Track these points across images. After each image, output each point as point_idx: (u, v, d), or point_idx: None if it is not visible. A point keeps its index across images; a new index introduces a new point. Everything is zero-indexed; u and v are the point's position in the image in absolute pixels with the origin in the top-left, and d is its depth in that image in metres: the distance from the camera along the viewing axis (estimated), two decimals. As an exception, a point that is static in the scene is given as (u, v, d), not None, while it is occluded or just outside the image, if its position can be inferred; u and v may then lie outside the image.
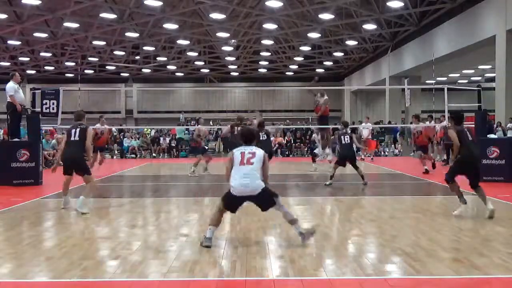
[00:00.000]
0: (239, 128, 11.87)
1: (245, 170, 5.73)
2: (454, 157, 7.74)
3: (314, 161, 16.04)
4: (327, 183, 11.66)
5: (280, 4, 24.50)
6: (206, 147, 19.00)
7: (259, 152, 5.90)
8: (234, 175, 5.76)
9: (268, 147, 11.41)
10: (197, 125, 16.92)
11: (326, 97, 14.85)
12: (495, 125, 19.69)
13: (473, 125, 13.54)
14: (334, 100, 47.77)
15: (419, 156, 15.70)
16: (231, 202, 5.87)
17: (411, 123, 26.34)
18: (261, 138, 11.55)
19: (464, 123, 8.09)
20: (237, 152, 5.88)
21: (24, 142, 12.68)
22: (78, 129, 8.39)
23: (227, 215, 7.88)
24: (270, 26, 29.24)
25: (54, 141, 18.99)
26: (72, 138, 8.38)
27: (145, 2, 24.87)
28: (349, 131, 12.42)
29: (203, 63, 42.36)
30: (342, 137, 11.99)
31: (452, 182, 7.76)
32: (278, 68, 44.27)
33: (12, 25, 28.64)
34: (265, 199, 5.78)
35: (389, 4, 24.32)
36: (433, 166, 15.05)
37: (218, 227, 5.88)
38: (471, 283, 4.43)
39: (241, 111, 40.97)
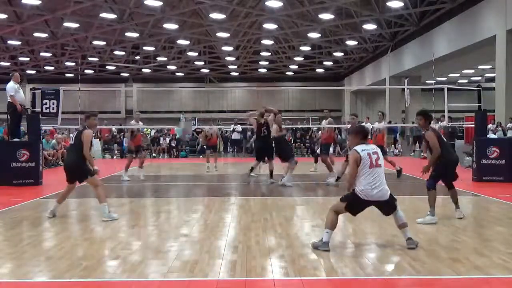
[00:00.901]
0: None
1: (377, 174, 5.47)
2: (435, 160, 7.28)
3: (316, 161, 16.00)
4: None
5: (280, 4, 24.48)
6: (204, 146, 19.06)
7: (379, 151, 5.66)
8: (364, 179, 5.43)
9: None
10: (212, 126, 17.66)
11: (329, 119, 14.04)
12: (495, 125, 19.69)
13: (473, 125, 13.58)
14: (334, 100, 47.99)
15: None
16: (358, 206, 5.61)
17: (412, 122, 26.40)
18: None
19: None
20: (363, 153, 5.50)
21: (24, 142, 12.69)
22: (76, 132, 7.82)
23: (227, 215, 7.89)
24: (270, 26, 29.23)
25: (54, 141, 18.98)
26: (71, 142, 7.89)
27: (145, 2, 24.86)
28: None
29: (203, 63, 42.35)
30: None
31: (434, 189, 7.48)
32: (278, 68, 44.26)
33: (12, 25, 28.63)
34: (391, 204, 5.64)
35: (389, 4, 24.31)
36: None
37: (334, 230, 5.57)
38: (471, 283, 4.43)
39: (241, 111, 41.03)
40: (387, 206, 5.64)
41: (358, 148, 5.58)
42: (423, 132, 7.66)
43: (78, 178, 7.74)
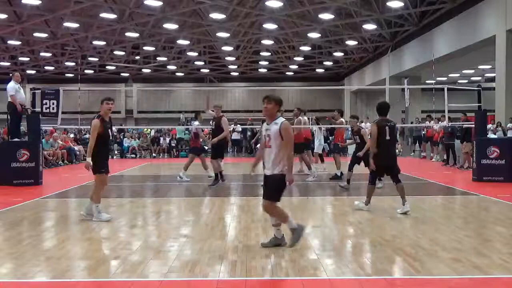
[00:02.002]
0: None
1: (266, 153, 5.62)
2: (366, 149, 8.29)
3: (322, 161, 15.78)
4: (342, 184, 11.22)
5: (280, 4, 24.48)
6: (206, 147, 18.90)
7: (272, 131, 5.60)
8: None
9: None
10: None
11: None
12: (495, 125, 19.69)
13: (473, 125, 13.56)
14: (334, 100, 47.99)
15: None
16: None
17: (411, 123, 26.41)
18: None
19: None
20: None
21: (24, 142, 12.68)
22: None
23: (227, 215, 7.89)
24: (270, 26, 29.23)
25: (51, 139, 18.99)
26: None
27: (145, 2, 24.87)
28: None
29: (203, 63, 42.36)
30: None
31: (374, 184, 8.12)
32: (278, 68, 44.27)
33: (12, 25, 28.64)
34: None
35: (389, 4, 24.30)
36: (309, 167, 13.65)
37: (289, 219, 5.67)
38: (471, 283, 4.44)
39: (241, 111, 41.06)
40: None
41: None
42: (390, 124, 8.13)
43: (99, 170, 7.40)
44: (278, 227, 5.66)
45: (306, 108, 17.49)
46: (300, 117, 13.81)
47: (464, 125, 15.65)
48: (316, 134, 16.22)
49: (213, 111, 12.03)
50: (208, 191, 11.00)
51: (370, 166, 7.94)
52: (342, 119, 13.89)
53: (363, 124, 22.72)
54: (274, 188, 5.53)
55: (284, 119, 5.55)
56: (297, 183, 12.87)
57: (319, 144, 15.58)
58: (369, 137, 9.46)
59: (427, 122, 21.32)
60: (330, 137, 26.43)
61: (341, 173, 12.79)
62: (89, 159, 7.26)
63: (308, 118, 16.92)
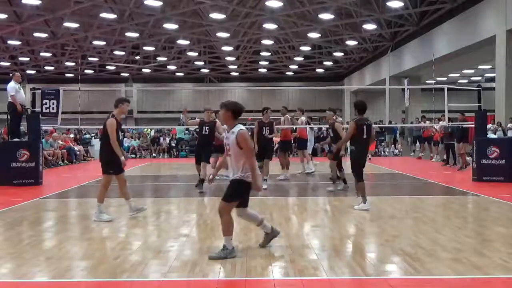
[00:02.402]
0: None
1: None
2: (339, 146, 8.54)
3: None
4: (340, 187, 10.74)
5: (280, 4, 24.48)
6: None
7: (231, 139, 5.38)
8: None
9: None
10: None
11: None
12: (495, 125, 19.70)
13: (473, 125, 13.55)
14: (334, 100, 47.96)
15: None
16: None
17: (411, 123, 26.41)
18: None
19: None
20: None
21: (24, 142, 12.68)
22: (104, 122, 7.40)
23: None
24: (270, 26, 29.23)
25: (51, 139, 18.99)
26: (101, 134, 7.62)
27: (145, 2, 24.86)
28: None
29: (203, 63, 42.36)
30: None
31: (362, 181, 8.24)
32: (278, 68, 44.26)
33: (12, 25, 28.64)
34: None
35: (389, 4, 24.30)
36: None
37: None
38: (471, 283, 4.43)
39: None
40: None
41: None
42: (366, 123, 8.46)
43: (104, 170, 7.43)
44: (261, 224, 5.62)
45: (305, 108, 17.37)
46: (302, 117, 13.85)
47: (462, 125, 15.66)
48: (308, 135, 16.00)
49: (193, 118, 11.93)
50: (207, 191, 10.97)
51: (328, 156, 8.58)
52: (340, 118, 13.89)
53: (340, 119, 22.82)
54: (230, 190, 5.38)
55: (242, 128, 5.28)
56: (299, 182, 12.88)
57: (309, 144, 15.43)
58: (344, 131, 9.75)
59: (422, 122, 21.36)
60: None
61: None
62: (122, 158, 7.36)
63: (310, 118, 16.89)
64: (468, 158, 16.63)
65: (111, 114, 7.46)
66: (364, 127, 8.14)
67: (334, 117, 11.25)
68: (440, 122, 18.23)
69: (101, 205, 7.42)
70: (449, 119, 14.91)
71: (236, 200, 5.42)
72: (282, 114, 13.80)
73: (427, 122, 21.09)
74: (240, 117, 5.44)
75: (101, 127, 7.66)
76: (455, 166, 16.64)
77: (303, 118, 14.49)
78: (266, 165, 11.45)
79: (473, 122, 13.87)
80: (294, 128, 14.53)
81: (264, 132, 11.37)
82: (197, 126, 10.98)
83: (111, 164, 7.32)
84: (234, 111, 5.32)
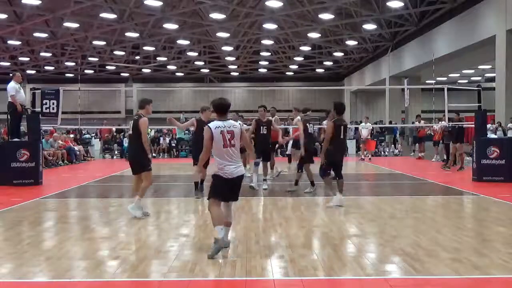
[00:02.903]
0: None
1: (231, 152, 5.66)
2: (325, 149, 8.49)
3: (290, 161, 15.08)
4: (308, 190, 10.44)
5: (280, 4, 24.48)
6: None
7: (235, 131, 5.61)
8: (220, 158, 5.56)
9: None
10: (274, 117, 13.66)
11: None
12: (495, 125, 19.70)
13: (473, 125, 13.55)
14: (334, 100, 47.96)
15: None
16: (222, 188, 5.72)
17: (412, 123, 26.40)
18: None
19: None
20: (216, 130, 5.49)
21: (24, 142, 12.68)
22: (132, 121, 7.60)
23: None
24: (270, 26, 29.23)
25: (51, 139, 18.98)
26: (128, 132, 7.78)
27: (145, 2, 24.86)
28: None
29: (203, 63, 42.37)
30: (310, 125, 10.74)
31: (326, 177, 8.61)
32: (278, 68, 44.27)
33: (12, 25, 28.64)
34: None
35: (389, 4, 24.31)
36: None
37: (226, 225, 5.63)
38: (471, 283, 4.44)
39: (241, 111, 40.95)
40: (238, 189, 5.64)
41: (212, 124, 5.54)
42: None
43: (138, 169, 7.63)
44: (218, 227, 5.38)
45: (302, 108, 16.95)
46: (298, 117, 13.27)
47: (457, 125, 15.68)
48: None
49: (184, 120, 11.50)
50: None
51: (321, 160, 8.56)
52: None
53: (362, 124, 22.82)
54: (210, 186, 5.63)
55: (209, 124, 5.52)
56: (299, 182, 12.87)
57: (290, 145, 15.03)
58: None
59: (417, 122, 21.34)
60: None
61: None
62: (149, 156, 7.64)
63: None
64: (468, 158, 16.64)
65: (139, 114, 7.60)
66: (342, 127, 8.48)
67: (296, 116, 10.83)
68: (441, 122, 18.23)
69: (141, 199, 7.59)
70: (449, 119, 14.92)
71: (212, 195, 5.54)
72: (272, 115, 13.28)
73: (422, 122, 21.07)
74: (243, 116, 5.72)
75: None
76: (455, 166, 16.65)
77: (298, 118, 13.89)
78: (264, 166, 11.12)
79: (471, 122, 13.89)
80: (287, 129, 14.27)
81: (261, 131, 10.84)
82: (193, 127, 10.06)
83: (147, 160, 7.53)
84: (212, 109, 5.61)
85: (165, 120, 11.02)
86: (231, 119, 5.70)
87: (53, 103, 13.45)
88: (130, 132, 7.62)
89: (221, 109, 5.62)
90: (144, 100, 7.77)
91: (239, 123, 5.82)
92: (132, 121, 7.59)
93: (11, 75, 13.00)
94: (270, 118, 11.38)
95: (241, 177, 5.56)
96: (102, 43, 34.69)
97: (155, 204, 9.43)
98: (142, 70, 44.09)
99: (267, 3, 24.75)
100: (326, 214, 8.39)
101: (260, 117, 11.00)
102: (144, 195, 7.72)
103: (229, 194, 5.57)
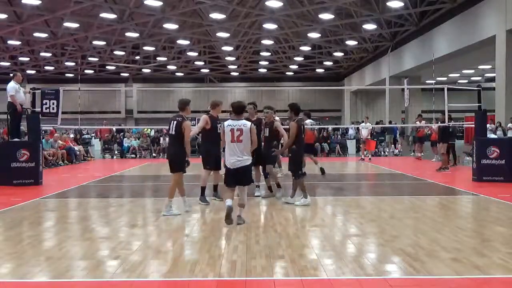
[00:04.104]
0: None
1: (235, 147, 7.04)
2: (287, 147, 8.62)
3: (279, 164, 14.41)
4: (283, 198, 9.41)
5: (280, 4, 24.50)
6: None
7: (245, 129, 6.96)
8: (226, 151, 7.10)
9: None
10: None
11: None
12: (495, 125, 19.70)
13: (473, 125, 13.55)
14: (334, 100, 48.01)
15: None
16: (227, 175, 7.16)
17: (414, 122, 26.40)
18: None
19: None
20: (227, 128, 7.02)
21: (24, 142, 12.68)
22: (175, 122, 7.76)
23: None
24: (270, 26, 29.24)
25: (51, 139, 18.98)
26: (170, 132, 7.90)
27: (145, 2, 24.88)
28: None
29: (203, 63, 42.38)
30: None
31: (303, 177, 8.72)
32: (278, 68, 44.29)
33: (12, 25, 28.66)
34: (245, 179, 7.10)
35: (389, 4, 24.32)
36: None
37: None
38: (471, 283, 4.43)
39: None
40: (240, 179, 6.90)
41: (226, 122, 6.99)
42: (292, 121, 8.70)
43: (176, 169, 7.87)
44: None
45: (306, 108, 16.97)
46: (277, 118, 11.68)
47: (441, 126, 15.68)
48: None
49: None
50: (209, 191, 10.95)
51: (278, 155, 8.92)
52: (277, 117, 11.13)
53: (362, 124, 22.81)
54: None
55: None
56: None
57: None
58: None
59: (417, 122, 21.30)
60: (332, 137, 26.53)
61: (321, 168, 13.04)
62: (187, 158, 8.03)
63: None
64: (468, 158, 16.64)
65: (182, 116, 7.84)
66: (302, 127, 8.72)
67: (274, 116, 9.96)
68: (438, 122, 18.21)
69: (172, 200, 7.87)
70: (449, 119, 14.91)
71: (224, 181, 7.08)
72: (268, 118, 12.57)
73: (423, 122, 21.04)
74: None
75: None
76: (455, 166, 16.64)
77: (278, 119, 12.67)
78: (256, 170, 9.58)
79: (471, 122, 13.88)
80: None
81: (263, 134, 9.67)
82: (208, 125, 9.01)
83: (185, 162, 7.80)
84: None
85: (165, 120, 10.92)
86: (244, 118, 7.00)
87: (53, 103, 13.44)
88: (173, 132, 7.79)
89: (238, 110, 7.03)
90: (185, 101, 8.01)
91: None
92: (174, 122, 7.77)
93: (11, 75, 12.99)
94: (261, 117, 9.97)
95: (242, 168, 6.82)
96: (102, 43, 34.70)
97: (155, 204, 9.42)
98: (142, 70, 44.10)
99: (267, 3, 24.76)
100: (326, 214, 8.40)
101: (249, 116, 9.51)
102: (174, 195, 7.93)
103: (233, 180, 6.90)
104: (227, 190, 7.00)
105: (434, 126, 19.01)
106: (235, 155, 6.78)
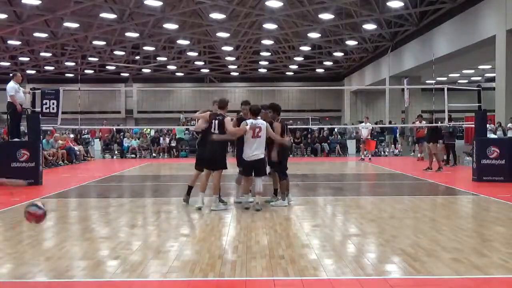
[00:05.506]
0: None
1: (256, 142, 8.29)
2: (279, 146, 8.55)
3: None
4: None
5: (280, 4, 24.48)
6: None
7: (263, 126, 8.28)
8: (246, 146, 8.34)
9: None
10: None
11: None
12: (495, 126, 19.69)
13: (473, 125, 13.54)
14: (334, 100, 47.99)
15: None
16: (245, 167, 8.48)
17: (413, 123, 26.41)
18: None
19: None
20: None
21: (24, 142, 12.69)
22: (216, 121, 8.19)
23: (227, 215, 7.89)
24: (270, 26, 29.23)
25: (51, 139, 18.98)
26: (213, 131, 8.17)
27: (145, 2, 24.86)
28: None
29: (203, 63, 42.36)
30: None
31: (287, 177, 8.76)
32: (278, 68, 44.27)
33: (12, 25, 28.64)
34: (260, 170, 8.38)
35: (389, 4, 24.31)
36: None
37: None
38: (471, 283, 4.43)
39: (241, 111, 40.99)
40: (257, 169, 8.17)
41: (248, 121, 8.14)
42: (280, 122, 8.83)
43: (216, 166, 8.22)
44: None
45: (306, 108, 17.05)
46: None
47: (430, 126, 15.66)
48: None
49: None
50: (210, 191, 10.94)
51: (274, 159, 8.65)
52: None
53: (362, 124, 22.82)
54: None
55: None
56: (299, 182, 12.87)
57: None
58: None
59: (417, 122, 21.25)
60: (330, 137, 26.55)
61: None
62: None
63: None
64: (468, 158, 16.64)
65: (221, 114, 8.24)
66: (286, 127, 8.99)
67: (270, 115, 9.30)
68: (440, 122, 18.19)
69: (217, 196, 8.28)
70: (450, 119, 14.91)
71: (243, 173, 8.46)
72: (264, 117, 12.11)
73: (423, 122, 21.01)
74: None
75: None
76: (455, 166, 16.65)
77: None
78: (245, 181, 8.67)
79: (471, 122, 13.88)
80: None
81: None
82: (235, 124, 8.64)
83: (225, 159, 8.30)
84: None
85: (165, 120, 11.04)
86: (260, 118, 8.26)
87: (53, 103, 13.43)
88: (216, 131, 8.12)
89: (256, 112, 8.29)
90: (224, 101, 8.44)
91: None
92: (216, 121, 8.17)
93: (11, 75, 13.00)
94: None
95: (258, 161, 8.15)
96: (102, 43, 34.69)
97: (155, 204, 9.43)
98: (142, 70, 44.08)
99: (267, 3, 24.75)
100: (326, 214, 8.40)
101: (244, 116, 8.80)
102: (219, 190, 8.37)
103: (251, 171, 8.23)
104: (245, 180, 8.28)
105: (424, 126, 18.88)
106: (255, 150, 8.04)
